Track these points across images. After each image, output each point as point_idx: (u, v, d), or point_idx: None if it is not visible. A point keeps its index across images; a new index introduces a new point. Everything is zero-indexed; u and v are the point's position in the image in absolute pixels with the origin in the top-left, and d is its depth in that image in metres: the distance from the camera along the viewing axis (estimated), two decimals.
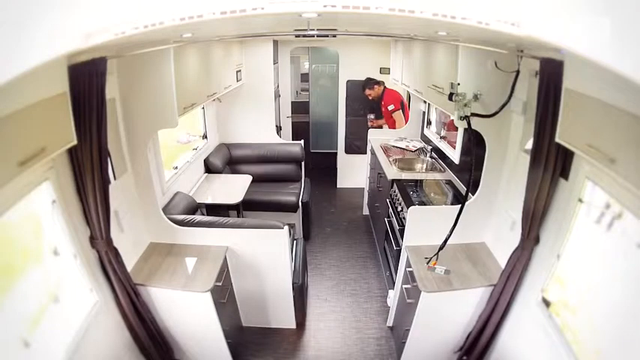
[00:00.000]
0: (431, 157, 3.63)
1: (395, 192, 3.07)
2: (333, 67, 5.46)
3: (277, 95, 4.86)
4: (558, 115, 1.45)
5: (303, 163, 4.32)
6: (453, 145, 3.26)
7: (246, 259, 2.48)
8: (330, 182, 5.34)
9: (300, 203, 3.78)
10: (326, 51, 5.58)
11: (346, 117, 4.95)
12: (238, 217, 3.37)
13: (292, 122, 5.39)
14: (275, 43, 4.35)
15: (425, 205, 2.82)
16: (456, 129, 3.04)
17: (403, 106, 4.40)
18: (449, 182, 3.15)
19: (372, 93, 4.43)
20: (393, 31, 2.27)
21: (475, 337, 2.13)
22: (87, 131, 1.53)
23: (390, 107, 4.36)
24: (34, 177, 1.41)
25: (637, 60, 0.71)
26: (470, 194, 2.19)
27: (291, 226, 3.02)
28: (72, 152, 1.57)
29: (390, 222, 3.09)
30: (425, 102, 3.82)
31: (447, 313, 2.17)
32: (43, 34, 0.86)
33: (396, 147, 4.00)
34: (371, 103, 4.61)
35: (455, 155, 3.13)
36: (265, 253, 2.48)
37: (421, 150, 3.90)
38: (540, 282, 1.79)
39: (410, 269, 2.28)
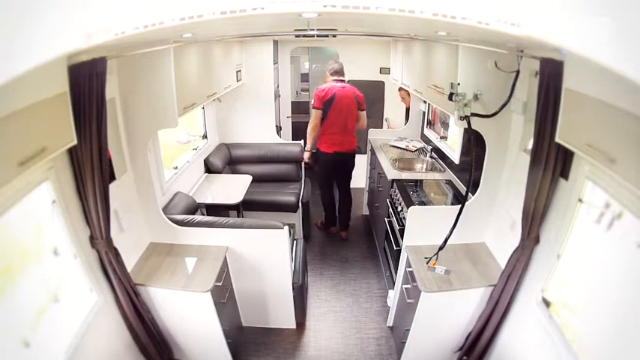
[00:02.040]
0: (431, 157, 3.63)
1: (395, 192, 3.07)
2: None
3: (277, 95, 4.86)
4: (558, 115, 1.45)
5: (303, 164, 4.32)
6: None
7: (246, 259, 2.48)
8: None
9: (300, 203, 3.78)
10: (326, 51, 5.58)
11: None
12: (238, 217, 3.37)
13: (292, 122, 5.39)
14: (275, 43, 4.34)
15: (425, 205, 2.82)
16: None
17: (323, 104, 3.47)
18: (449, 182, 3.15)
19: None
20: (393, 31, 2.27)
21: (475, 337, 2.13)
22: (87, 131, 1.53)
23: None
24: (34, 177, 1.41)
25: (637, 60, 0.71)
26: (470, 194, 2.19)
27: (291, 226, 3.02)
28: (72, 152, 1.57)
29: (390, 222, 3.09)
30: (425, 102, 3.82)
31: (447, 313, 2.17)
32: (43, 34, 0.86)
33: (396, 147, 4.00)
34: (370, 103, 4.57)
35: (455, 155, 3.13)
36: (265, 253, 2.48)
37: (421, 150, 3.90)
38: (540, 282, 1.79)
39: (410, 269, 2.28)
